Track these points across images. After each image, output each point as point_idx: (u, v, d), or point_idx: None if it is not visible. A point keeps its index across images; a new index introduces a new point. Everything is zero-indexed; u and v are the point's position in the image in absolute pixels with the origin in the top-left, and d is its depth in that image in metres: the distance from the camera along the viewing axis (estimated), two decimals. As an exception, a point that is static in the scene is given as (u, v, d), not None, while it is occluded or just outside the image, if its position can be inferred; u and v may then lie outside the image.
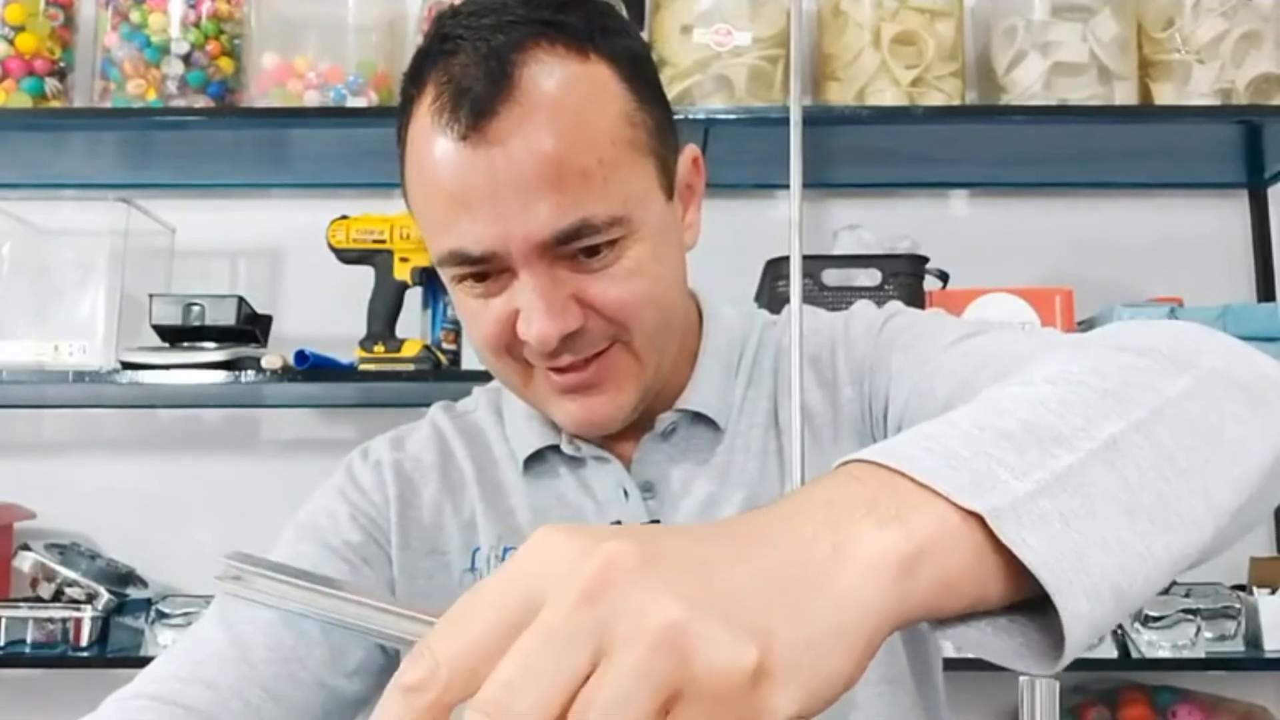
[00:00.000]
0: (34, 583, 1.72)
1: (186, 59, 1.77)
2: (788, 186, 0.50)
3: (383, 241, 1.70)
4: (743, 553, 0.36)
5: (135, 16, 1.78)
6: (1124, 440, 0.43)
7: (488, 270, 0.73)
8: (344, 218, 1.72)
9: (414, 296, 1.75)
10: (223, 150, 1.86)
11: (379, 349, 1.68)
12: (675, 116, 0.81)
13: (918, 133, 1.76)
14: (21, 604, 1.69)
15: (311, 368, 1.65)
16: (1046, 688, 0.52)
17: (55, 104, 1.81)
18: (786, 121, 0.54)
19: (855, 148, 1.81)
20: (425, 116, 0.72)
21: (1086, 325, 1.73)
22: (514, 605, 0.35)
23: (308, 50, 1.78)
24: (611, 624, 0.33)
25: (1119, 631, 1.60)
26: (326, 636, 0.80)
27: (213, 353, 1.67)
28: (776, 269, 1.66)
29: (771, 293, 1.67)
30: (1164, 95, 1.77)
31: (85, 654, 1.67)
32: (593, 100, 0.72)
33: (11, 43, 1.79)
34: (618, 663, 0.33)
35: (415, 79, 0.74)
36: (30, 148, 1.84)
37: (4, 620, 1.67)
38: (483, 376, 1.80)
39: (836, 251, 1.76)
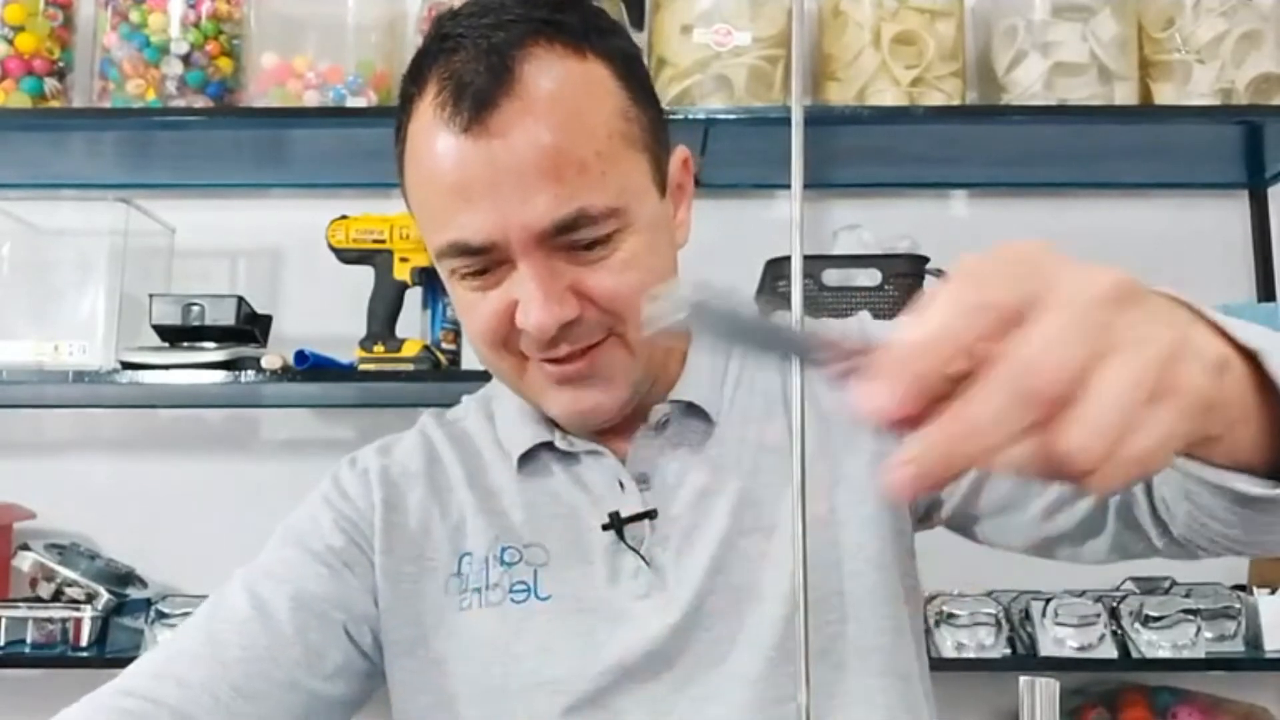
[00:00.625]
0: (34, 583, 1.72)
1: (186, 59, 1.77)
2: (788, 186, 0.50)
3: (383, 241, 1.70)
4: (1172, 319, 0.46)
5: (135, 16, 1.78)
6: None
7: (486, 263, 0.75)
8: (344, 218, 1.72)
9: (414, 296, 1.75)
10: (222, 150, 1.86)
11: (379, 349, 1.68)
12: (675, 116, 0.84)
13: (918, 133, 1.76)
14: (21, 604, 1.69)
15: (311, 368, 1.65)
16: (1046, 688, 0.52)
17: (55, 104, 1.81)
18: (787, 121, 0.54)
19: (855, 148, 1.80)
20: (427, 112, 0.73)
21: (1086, 325, 1.73)
22: (1020, 295, 0.39)
23: (307, 50, 1.78)
24: (1125, 330, 0.39)
25: (1119, 631, 1.60)
26: (302, 638, 0.81)
27: (213, 353, 1.67)
28: (776, 269, 1.66)
29: (772, 293, 1.67)
30: (1164, 95, 1.77)
31: (85, 654, 1.67)
32: (590, 96, 0.74)
33: (11, 43, 1.79)
34: (1131, 357, 0.39)
35: (415, 78, 0.76)
36: (30, 148, 1.84)
37: (4, 620, 1.67)
38: (483, 376, 1.81)
39: (836, 251, 1.76)
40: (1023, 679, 0.52)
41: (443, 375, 1.72)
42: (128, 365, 1.67)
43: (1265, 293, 1.90)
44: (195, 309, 1.68)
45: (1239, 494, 0.57)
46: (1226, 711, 1.70)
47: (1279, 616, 1.60)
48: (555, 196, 0.71)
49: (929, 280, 1.71)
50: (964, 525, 0.86)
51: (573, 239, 0.73)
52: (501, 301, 0.75)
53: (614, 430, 0.84)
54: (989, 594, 1.65)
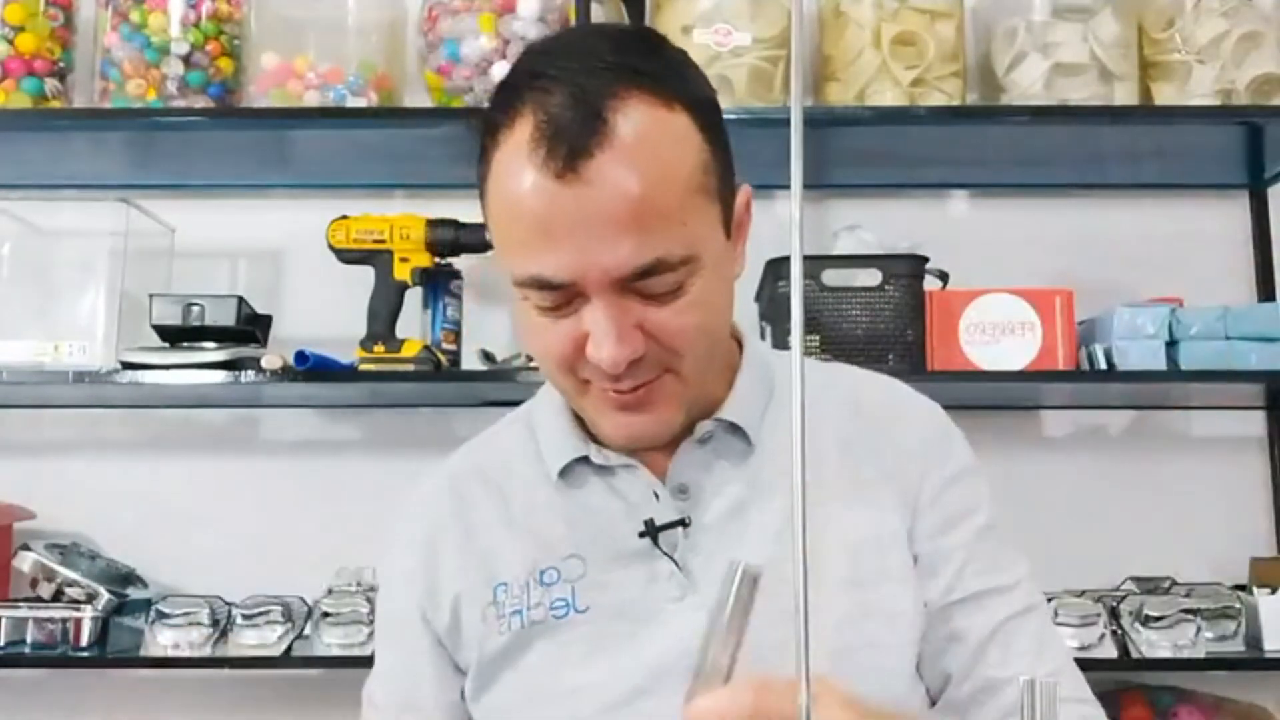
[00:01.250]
0: (34, 583, 1.71)
1: (186, 59, 1.77)
2: (788, 187, 0.50)
3: (383, 241, 1.70)
4: None
5: (135, 17, 1.78)
6: None
7: (562, 298, 0.79)
8: (344, 218, 1.72)
9: (414, 296, 1.75)
10: (223, 150, 1.86)
11: (379, 349, 1.68)
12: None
13: (918, 133, 1.76)
14: (21, 604, 1.69)
15: (311, 368, 1.65)
16: (1047, 689, 0.52)
17: (55, 104, 1.81)
18: (787, 122, 0.54)
19: (856, 148, 1.81)
20: (519, 148, 0.76)
21: (1087, 325, 1.73)
22: None
23: (308, 50, 1.78)
24: None
25: (1119, 631, 1.60)
26: None
27: (213, 353, 1.67)
28: (777, 269, 1.66)
29: (772, 293, 1.67)
30: (1164, 95, 1.77)
31: (85, 654, 1.66)
32: (675, 148, 0.78)
33: (11, 43, 1.79)
34: None
35: (504, 109, 0.79)
36: (30, 148, 1.84)
37: (4, 620, 1.66)
38: (482, 377, 1.81)
39: (836, 251, 1.76)
40: (1023, 679, 0.52)
41: (443, 375, 1.72)
42: (128, 365, 1.67)
43: (1265, 293, 1.90)
44: (195, 309, 1.68)
45: None
46: (1227, 711, 1.70)
47: (1279, 616, 1.60)
48: (637, 245, 0.75)
49: (929, 280, 1.72)
50: None
51: (647, 284, 0.77)
52: (573, 331, 0.79)
53: (649, 449, 0.89)
54: (989, 594, 1.65)
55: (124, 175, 1.94)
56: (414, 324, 1.77)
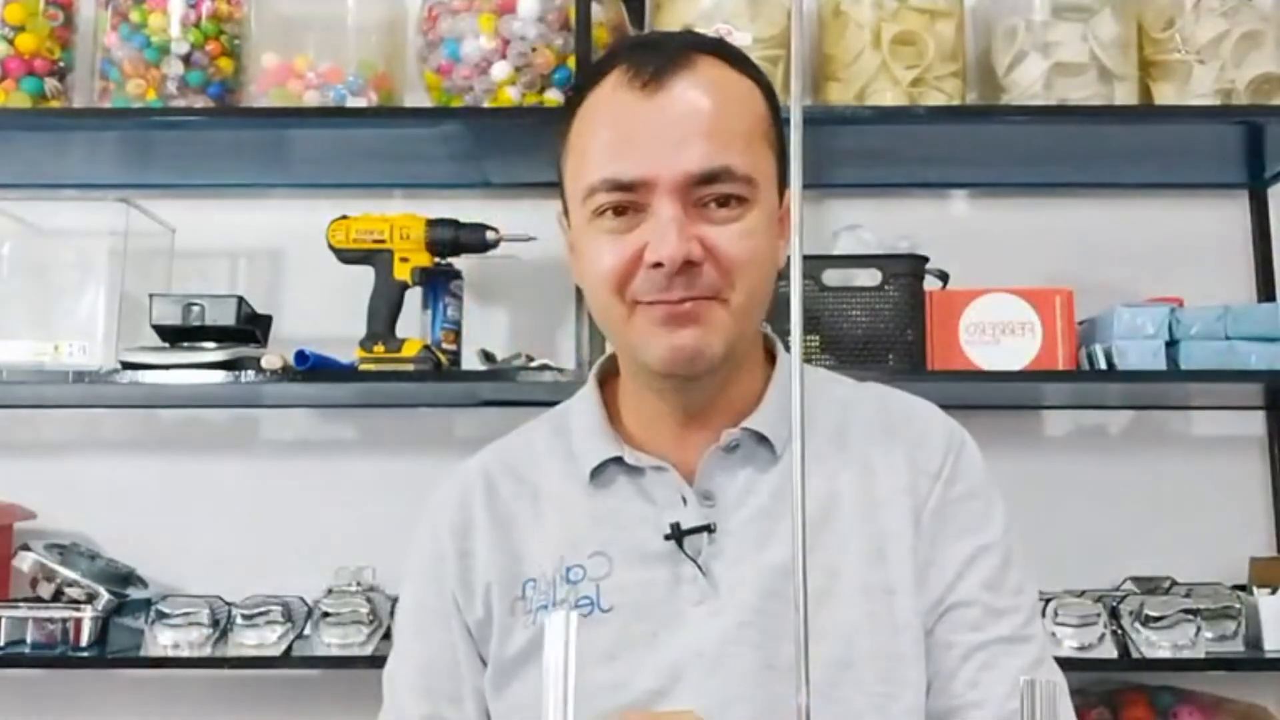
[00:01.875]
0: (34, 583, 1.71)
1: (186, 59, 1.77)
2: (788, 186, 0.50)
3: (383, 241, 1.70)
4: None
5: (135, 16, 1.78)
6: None
7: (629, 201, 0.85)
8: (344, 218, 1.72)
9: (414, 296, 1.75)
10: (223, 150, 1.86)
11: (379, 349, 1.68)
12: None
13: (918, 133, 1.76)
14: (21, 604, 1.69)
15: (311, 368, 1.65)
16: (1047, 688, 0.52)
17: (55, 104, 1.81)
18: (787, 122, 0.54)
19: (855, 148, 1.80)
20: (611, 80, 0.87)
21: (1087, 325, 1.73)
22: None
23: (308, 50, 1.78)
24: None
25: (1119, 631, 1.60)
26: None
27: (213, 353, 1.67)
28: (776, 269, 1.66)
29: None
30: (1164, 95, 1.77)
31: (85, 654, 1.66)
32: (744, 97, 0.89)
33: (11, 43, 1.79)
34: None
35: (598, 69, 0.90)
36: (30, 148, 1.84)
37: (4, 620, 1.66)
38: (481, 377, 1.81)
39: (836, 251, 1.76)
40: (1023, 679, 0.52)
41: (443, 375, 1.72)
42: (128, 365, 1.67)
43: (1265, 293, 1.90)
44: (195, 309, 1.68)
45: None
46: (1226, 711, 1.70)
47: (1279, 616, 1.60)
48: (706, 151, 0.83)
49: (929, 280, 1.72)
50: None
51: (713, 192, 0.84)
52: (633, 245, 0.84)
53: (682, 450, 0.92)
54: (989, 594, 1.65)
55: (124, 175, 1.94)
56: (414, 324, 1.77)
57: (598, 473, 0.92)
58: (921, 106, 1.72)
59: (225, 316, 1.69)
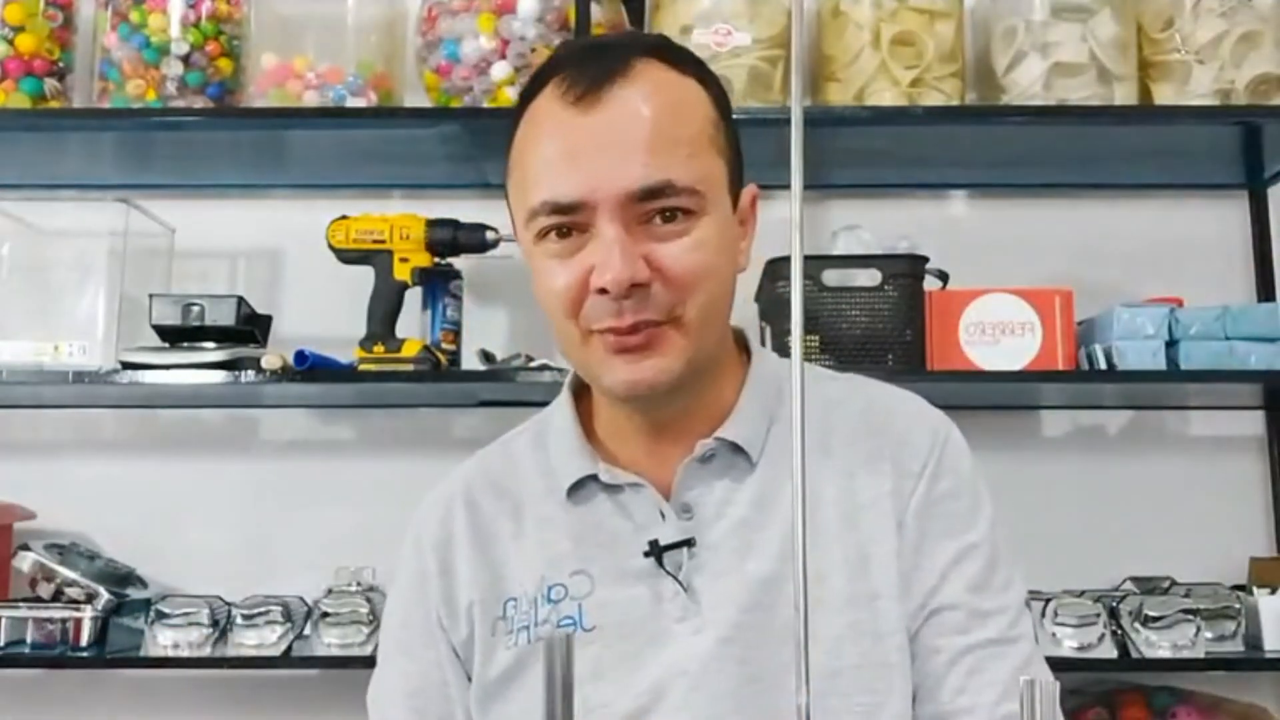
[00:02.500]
0: (33, 583, 1.71)
1: (186, 59, 1.77)
2: (787, 187, 0.50)
3: (383, 241, 1.70)
4: None
5: (134, 17, 1.78)
6: None
7: (572, 223, 0.82)
8: (344, 218, 1.72)
9: (414, 296, 1.75)
10: (222, 150, 1.86)
11: (379, 349, 1.68)
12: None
13: (917, 133, 1.76)
14: (21, 604, 1.69)
15: (311, 368, 1.65)
16: (1047, 689, 0.52)
17: (54, 104, 1.81)
18: (787, 122, 0.54)
19: (855, 148, 1.80)
20: (548, 93, 0.84)
21: (1086, 325, 1.73)
22: None
23: (307, 51, 1.78)
24: None
25: (1118, 631, 1.60)
26: None
27: (212, 353, 1.67)
28: (776, 269, 1.66)
29: (772, 293, 1.67)
30: (1164, 95, 1.77)
31: (85, 654, 1.66)
32: (686, 99, 0.85)
33: (11, 43, 1.79)
34: None
35: (538, 80, 0.86)
36: (30, 148, 1.84)
37: (4, 620, 1.66)
38: (481, 377, 1.81)
39: (836, 251, 1.76)
40: (1022, 679, 0.52)
41: (442, 376, 1.72)
42: (128, 365, 1.67)
43: (1265, 293, 1.90)
44: (195, 309, 1.68)
45: None
46: (1225, 711, 1.70)
47: (1279, 616, 1.60)
48: (646, 165, 0.80)
49: (929, 280, 1.72)
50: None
51: (656, 206, 0.81)
52: (579, 268, 0.82)
53: (658, 463, 0.90)
54: (989, 594, 1.65)
55: (124, 175, 1.94)
56: (413, 324, 1.77)
57: (575, 489, 0.91)
58: (920, 107, 1.72)
59: (225, 317, 1.69)
